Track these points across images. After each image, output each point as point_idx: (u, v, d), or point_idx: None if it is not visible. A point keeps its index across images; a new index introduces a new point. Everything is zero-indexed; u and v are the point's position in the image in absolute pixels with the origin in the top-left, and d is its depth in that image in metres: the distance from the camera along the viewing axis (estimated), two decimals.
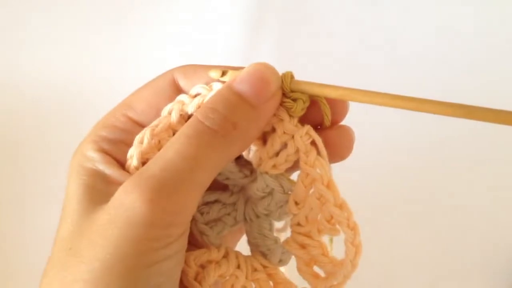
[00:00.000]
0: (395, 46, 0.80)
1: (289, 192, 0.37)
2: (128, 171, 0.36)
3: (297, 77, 0.35)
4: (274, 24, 0.80)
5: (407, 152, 0.73)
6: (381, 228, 0.69)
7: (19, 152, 0.64)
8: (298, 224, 0.36)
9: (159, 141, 0.37)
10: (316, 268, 0.37)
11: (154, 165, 0.32)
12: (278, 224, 0.41)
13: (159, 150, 0.36)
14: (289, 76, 0.35)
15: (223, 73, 0.36)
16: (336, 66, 0.75)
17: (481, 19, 0.80)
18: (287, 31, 0.79)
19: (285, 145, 0.36)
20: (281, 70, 0.35)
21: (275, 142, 0.36)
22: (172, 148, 0.32)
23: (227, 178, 0.39)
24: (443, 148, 0.72)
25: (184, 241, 0.33)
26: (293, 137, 0.35)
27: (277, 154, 0.36)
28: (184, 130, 0.33)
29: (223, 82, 0.36)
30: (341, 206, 0.34)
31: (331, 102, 0.36)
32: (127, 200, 0.30)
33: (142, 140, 0.36)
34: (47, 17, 0.77)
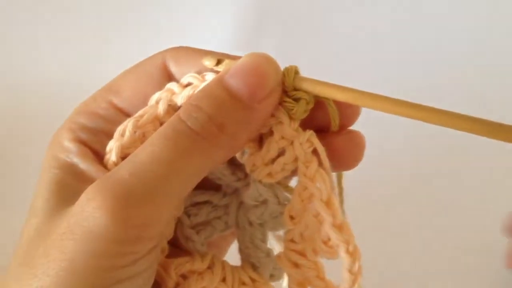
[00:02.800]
0: (402, 46, 0.75)
1: (286, 203, 0.32)
2: (106, 167, 0.32)
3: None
4: (275, 25, 0.76)
5: (403, 150, 0.70)
6: (377, 227, 0.66)
7: (19, 152, 0.64)
8: (292, 241, 0.32)
9: (144, 134, 0.33)
10: None
11: (123, 168, 0.27)
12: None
13: None
14: (292, 71, 0.30)
15: (218, 62, 0.32)
16: (340, 66, 0.71)
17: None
18: (288, 32, 0.76)
19: (283, 152, 0.31)
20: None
21: (271, 148, 0.31)
22: (146, 150, 0.28)
23: (220, 178, 0.35)
24: (440, 146, 0.69)
25: (154, 257, 0.29)
26: (292, 143, 0.30)
27: (273, 161, 0.31)
28: (162, 129, 0.28)
29: (218, 72, 0.31)
30: (341, 227, 0.29)
31: (340, 102, 0.30)
32: (88, 208, 0.26)
33: (123, 132, 0.32)
34: (47, 17, 0.75)
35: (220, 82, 0.29)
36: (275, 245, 0.36)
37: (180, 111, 0.29)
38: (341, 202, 0.33)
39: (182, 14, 0.75)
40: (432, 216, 0.67)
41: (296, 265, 0.32)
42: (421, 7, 0.77)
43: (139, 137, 0.33)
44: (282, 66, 0.30)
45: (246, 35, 0.74)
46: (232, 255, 0.38)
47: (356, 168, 0.32)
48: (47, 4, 0.75)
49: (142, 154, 0.27)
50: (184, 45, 0.33)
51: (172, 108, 0.33)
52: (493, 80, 0.73)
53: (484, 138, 0.26)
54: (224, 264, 0.34)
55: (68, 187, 0.30)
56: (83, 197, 0.27)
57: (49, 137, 0.34)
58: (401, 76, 0.73)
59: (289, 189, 0.33)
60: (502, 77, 0.73)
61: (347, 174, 0.33)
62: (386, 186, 0.68)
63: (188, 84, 0.32)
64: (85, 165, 0.31)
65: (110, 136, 0.33)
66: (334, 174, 0.32)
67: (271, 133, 0.31)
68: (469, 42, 0.75)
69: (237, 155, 0.33)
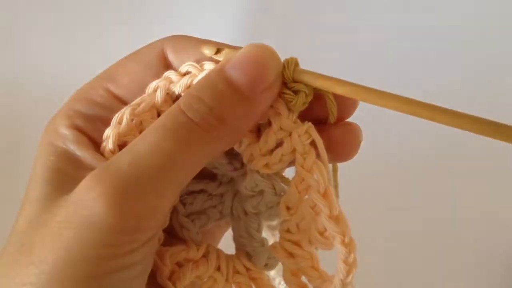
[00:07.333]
0: (400, 45, 0.75)
1: (282, 194, 0.33)
2: (102, 154, 0.32)
3: None
4: (275, 18, 0.76)
5: (402, 151, 0.70)
6: (376, 228, 0.66)
7: (19, 152, 0.64)
8: (288, 231, 0.32)
9: (141, 122, 0.33)
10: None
11: (123, 158, 0.27)
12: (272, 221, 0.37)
13: (140, 132, 0.32)
14: (293, 63, 0.30)
15: (218, 51, 0.31)
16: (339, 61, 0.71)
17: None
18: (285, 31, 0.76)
19: (280, 143, 0.31)
20: None
21: (269, 139, 0.31)
22: (146, 141, 0.27)
23: (216, 167, 0.35)
24: (439, 146, 0.69)
25: (152, 246, 0.29)
26: (290, 134, 0.30)
27: (271, 152, 0.31)
28: (162, 120, 0.28)
29: (217, 61, 0.31)
30: (337, 219, 0.30)
31: (338, 95, 0.31)
32: (87, 198, 0.26)
33: (121, 120, 0.32)
34: (48, 16, 0.75)
35: (221, 73, 0.29)
36: (267, 235, 0.37)
37: (180, 101, 0.29)
38: (336, 195, 0.33)
39: (180, 11, 0.74)
40: (430, 214, 0.68)
41: (291, 255, 0.32)
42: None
43: (136, 125, 0.32)
44: (282, 58, 0.30)
45: (246, 28, 0.73)
46: (226, 244, 0.38)
47: (352, 161, 0.33)
48: (46, 2, 0.74)
49: (141, 144, 0.27)
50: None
51: (170, 97, 0.33)
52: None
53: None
54: (218, 252, 0.34)
55: (65, 174, 0.30)
56: (82, 186, 0.27)
57: None
58: (401, 72, 0.73)
59: (285, 180, 0.33)
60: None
61: (342, 168, 0.34)
62: (381, 179, 0.68)
63: (187, 73, 0.32)
64: (81, 152, 0.31)
65: (106, 123, 0.32)
66: (329, 167, 0.32)
67: (269, 124, 0.31)
68: (468, 34, 0.75)
69: (235, 145, 0.33)
